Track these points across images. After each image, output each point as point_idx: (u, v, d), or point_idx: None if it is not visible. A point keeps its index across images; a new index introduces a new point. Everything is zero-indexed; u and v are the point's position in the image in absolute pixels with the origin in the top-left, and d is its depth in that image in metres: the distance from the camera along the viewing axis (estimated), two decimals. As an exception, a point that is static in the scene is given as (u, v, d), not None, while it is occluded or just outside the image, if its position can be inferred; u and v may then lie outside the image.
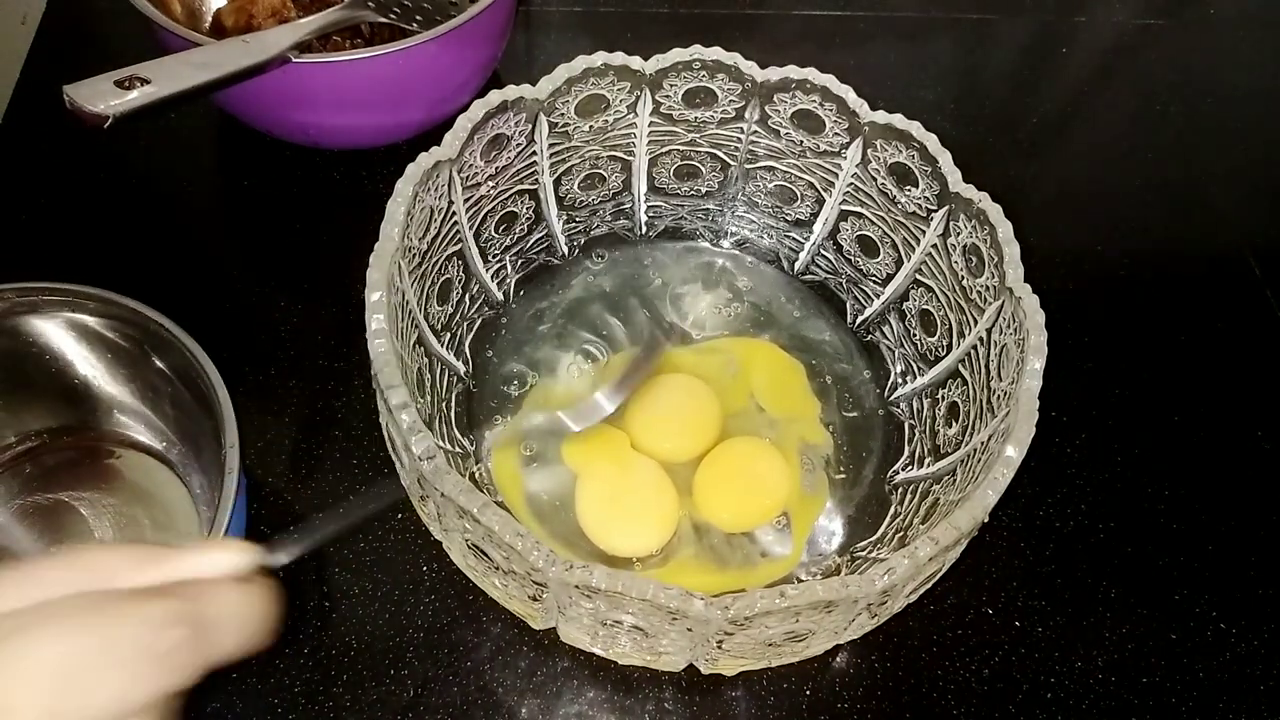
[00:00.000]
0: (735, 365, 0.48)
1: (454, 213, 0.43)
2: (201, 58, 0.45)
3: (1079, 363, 0.53)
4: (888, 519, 0.44)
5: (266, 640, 0.25)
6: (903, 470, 0.45)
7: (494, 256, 0.48)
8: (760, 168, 0.49)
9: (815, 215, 0.49)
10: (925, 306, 0.46)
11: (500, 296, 0.49)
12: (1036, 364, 0.37)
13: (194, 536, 0.42)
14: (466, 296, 0.47)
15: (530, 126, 0.44)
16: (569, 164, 0.47)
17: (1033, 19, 0.70)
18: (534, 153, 0.46)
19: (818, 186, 0.48)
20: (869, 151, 0.45)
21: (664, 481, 0.44)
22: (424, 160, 0.40)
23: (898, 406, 0.47)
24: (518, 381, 0.47)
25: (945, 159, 0.42)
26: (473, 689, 0.42)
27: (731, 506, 0.44)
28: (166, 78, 0.43)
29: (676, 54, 0.45)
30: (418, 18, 0.54)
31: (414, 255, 0.40)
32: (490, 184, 0.45)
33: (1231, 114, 0.66)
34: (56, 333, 0.42)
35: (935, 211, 0.43)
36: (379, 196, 0.38)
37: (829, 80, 0.44)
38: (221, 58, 0.46)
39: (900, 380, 0.47)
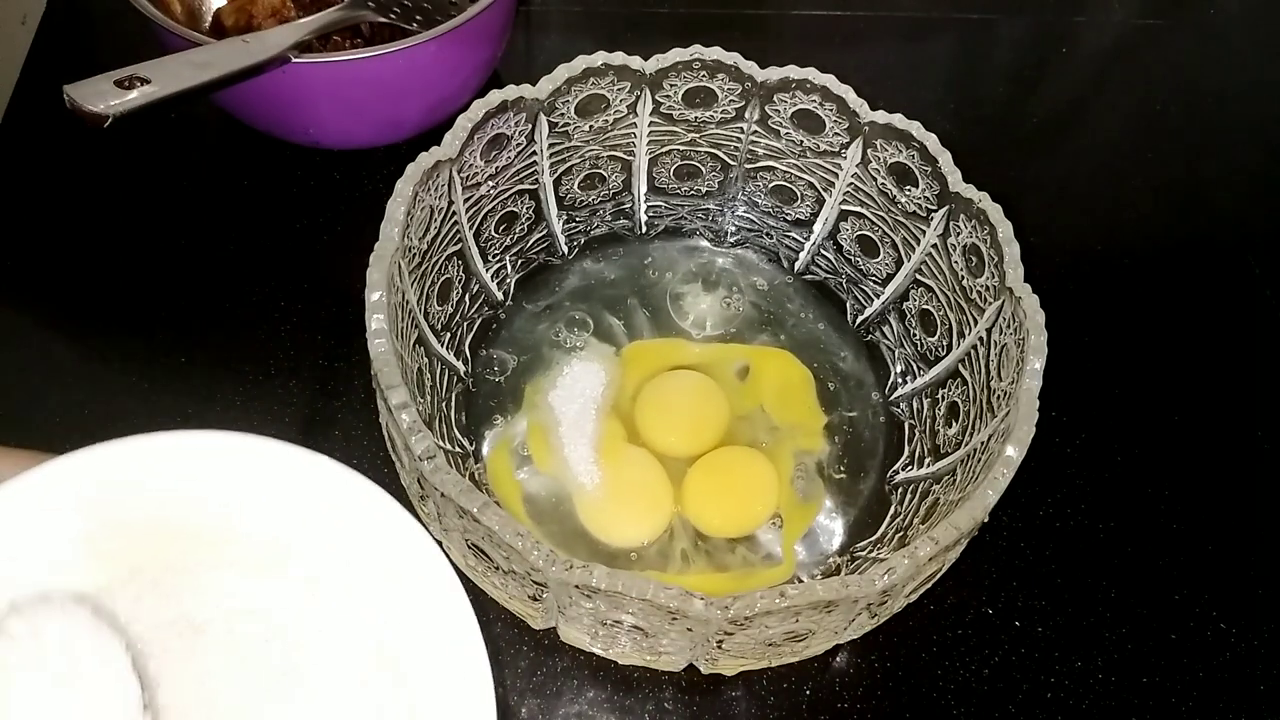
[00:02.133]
0: (748, 370, 0.49)
1: (454, 213, 0.43)
2: (201, 58, 0.45)
3: (1079, 363, 0.52)
4: (888, 519, 0.44)
5: None
6: (903, 470, 0.45)
7: (494, 256, 0.48)
8: (760, 168, 0.49)
9: (815, 215, 0.49)
10: (925, 306, 0.46)
11: (500, 296, 0.49)
12: (1036, 364, 0.37)
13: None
14: (466, 296, 0.47)
15: (530, 126, 0.44)
16: (569, 164, 0.47)
17: (1033, 19, 0.70)
18: (534, 153, 0.46)
19: (818, 186, 0.48)
20: (869, 151, 0.45)
21: (660, 472, 0.45)
22: (424, 160, 0.40)
23: (898, 406, 0.47)
24: (517, 381, 0.47)
25: (945, 159, 0.42)
26: (473, 689, 0.42)
27: (718, 512, 0.44)
28: (166, 78, 0.43)
29: (676, 54, 0.45)
30: (418, 18, 0.54)
31: (414, 255, 0.40)
32: (490, 184, 0.45)
33: (1231, 114, 0.66)
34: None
35: (935, 211, 0.43)
36: (379, 196, 0.38)
37: (829, 80, 0.44)
38: (221, 58, 0.46)
39: (900, 380, 0.47)
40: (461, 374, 0.46)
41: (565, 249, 0.51)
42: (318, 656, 0.35)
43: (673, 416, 0.46)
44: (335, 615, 0.36)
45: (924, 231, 0.44)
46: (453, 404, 0.45)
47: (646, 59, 0.45)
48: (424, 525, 0.32)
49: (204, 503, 0.35)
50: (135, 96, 0.42)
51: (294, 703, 0.34)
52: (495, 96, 0.42)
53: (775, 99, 0.45)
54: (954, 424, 0.43)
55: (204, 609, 0.35)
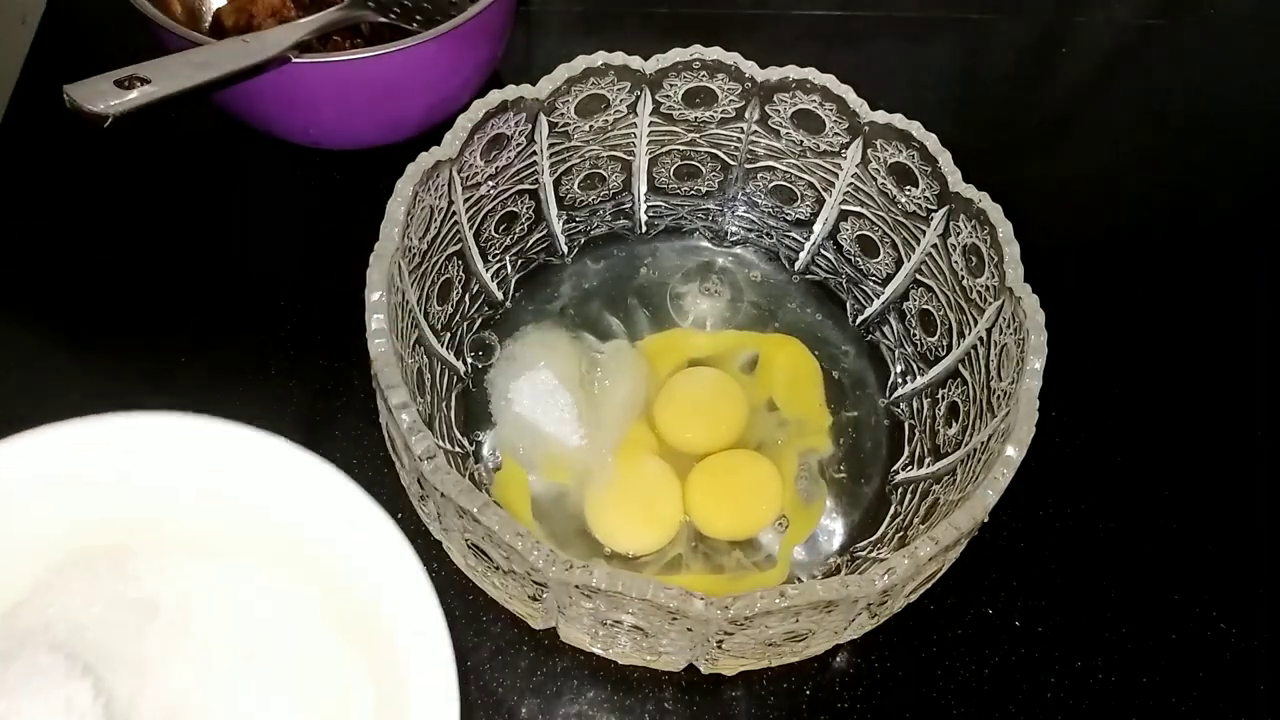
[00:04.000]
0: (754, 363, 0.49)
1: (454, 213, 0.43)
2: (201, 58, 0.45)
3: (1079, 363, 0.52)
4: (888, 519, 0.44)
5: None
6: (903, 470, 0.45)
7: (494, 256, 0.48)
8: (760, 167, 0.49)
9: (815, 215, 0.49)
10: (925, 306, 0.46)
11: (500, 296, 0.49)
12: (1036, 364, 0.37)
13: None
14: (466, 296, 0.47)
15: (530, 126, 0.44)
16: (569, 164, 0.47)
17: (1033, 19, 0.70)
18: (534, 153, 0.46)
19: (818, 186, 0.48)
20: (869, 151, 0.45)
21: (672, 480, 0.44)
22: (424, 160, 0.40)
23: (898, 406, 0.47)
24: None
25: (945, 159, 0.42)
26: (473, 689, 0.42)
27: (722, 515, 0.44)
28: (166, 78, 0.43)
29: (676, 54, 0.45)
30: (418, 18, 0.54)
31: (414, 255, 0.40)
32: (490, 184, 0.45)
33: (1232, 114, 0.66)
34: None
35: (935, 211, 0.43)
36: (379, 196, 0.38)
37: (829, 80, 0.44)
38: (221, 58, 0.46)
39: (900, 380, 0.47)
40: (461, 374, 0.46)
41: (565, 249, 0.51)
42: (276, 637, 0.35)
43: (693, 412, 0.46)
44: (292, 595, 0.35)
45: (924, 231, 0.44)
46: (453, 404, 0.45)
47: (646, 59, 0.45)
48: (419, 523, 0.32)
49: (161, 486, 0.35)
50: (135, 96, 0.42)
51: (254, 679, 0.34)
52: (495, 96, 0.42)
53: (775, 99, 0.45)
54: (954, 424, 0.43)
55: (161, 590, 0.35)
